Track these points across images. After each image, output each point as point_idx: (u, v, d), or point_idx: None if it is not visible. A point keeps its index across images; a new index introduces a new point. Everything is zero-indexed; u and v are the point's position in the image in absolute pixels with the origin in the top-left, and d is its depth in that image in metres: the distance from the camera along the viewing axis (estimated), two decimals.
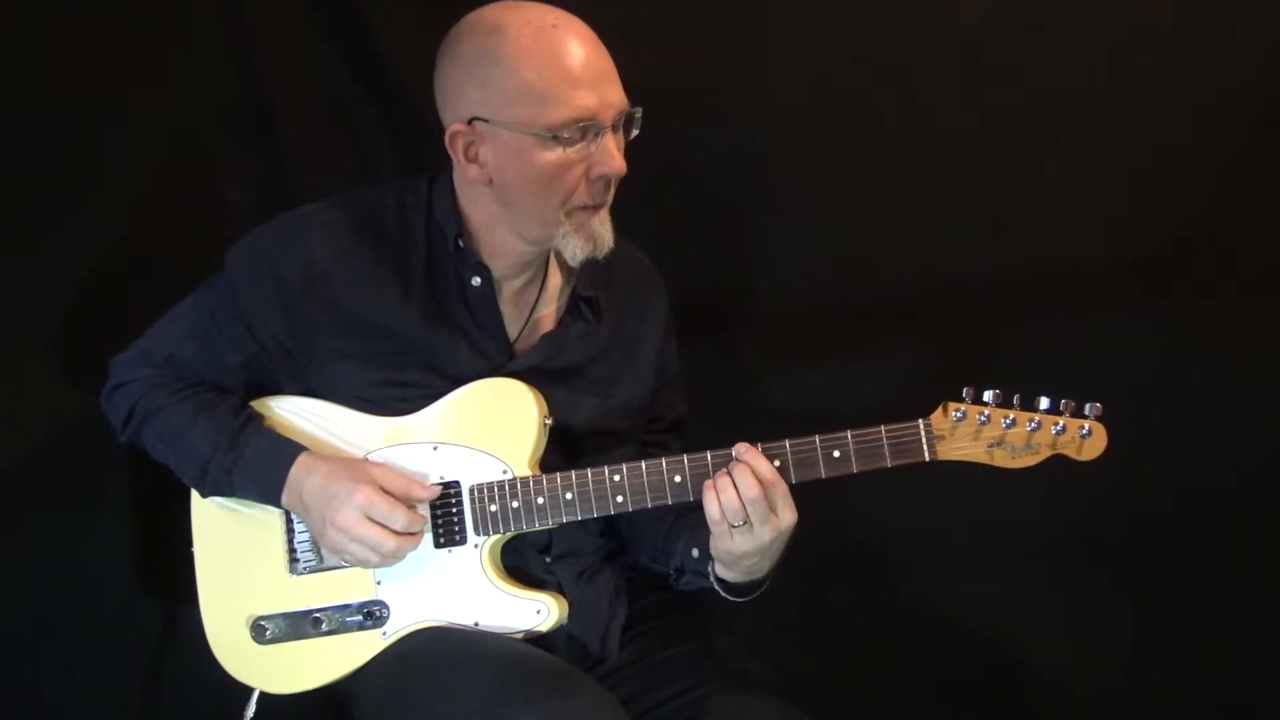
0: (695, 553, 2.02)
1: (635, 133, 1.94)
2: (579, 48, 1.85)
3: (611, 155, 1.88)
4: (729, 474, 1.85)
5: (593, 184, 1.91)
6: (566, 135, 1.85)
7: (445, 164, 2.00)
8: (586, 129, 1.86)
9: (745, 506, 1.84)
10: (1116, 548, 2.58)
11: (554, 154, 1.86)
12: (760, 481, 1.84)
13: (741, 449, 1.87)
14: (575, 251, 1.93)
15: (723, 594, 1.99)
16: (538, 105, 1.83)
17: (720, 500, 1.84)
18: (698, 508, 1.97)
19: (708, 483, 1.87)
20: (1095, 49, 2.47)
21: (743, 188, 2.56)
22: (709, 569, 1.99)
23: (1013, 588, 2.62)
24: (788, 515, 1.86)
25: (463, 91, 1.89)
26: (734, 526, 1.85)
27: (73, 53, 2.40)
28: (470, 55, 1.88)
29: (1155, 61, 2.47)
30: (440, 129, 2.47)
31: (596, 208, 1.93)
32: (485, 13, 1.91)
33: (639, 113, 1.92)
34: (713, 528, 1.88)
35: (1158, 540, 2.57)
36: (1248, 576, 2.58)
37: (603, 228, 1.95)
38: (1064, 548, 2.58)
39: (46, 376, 2.40)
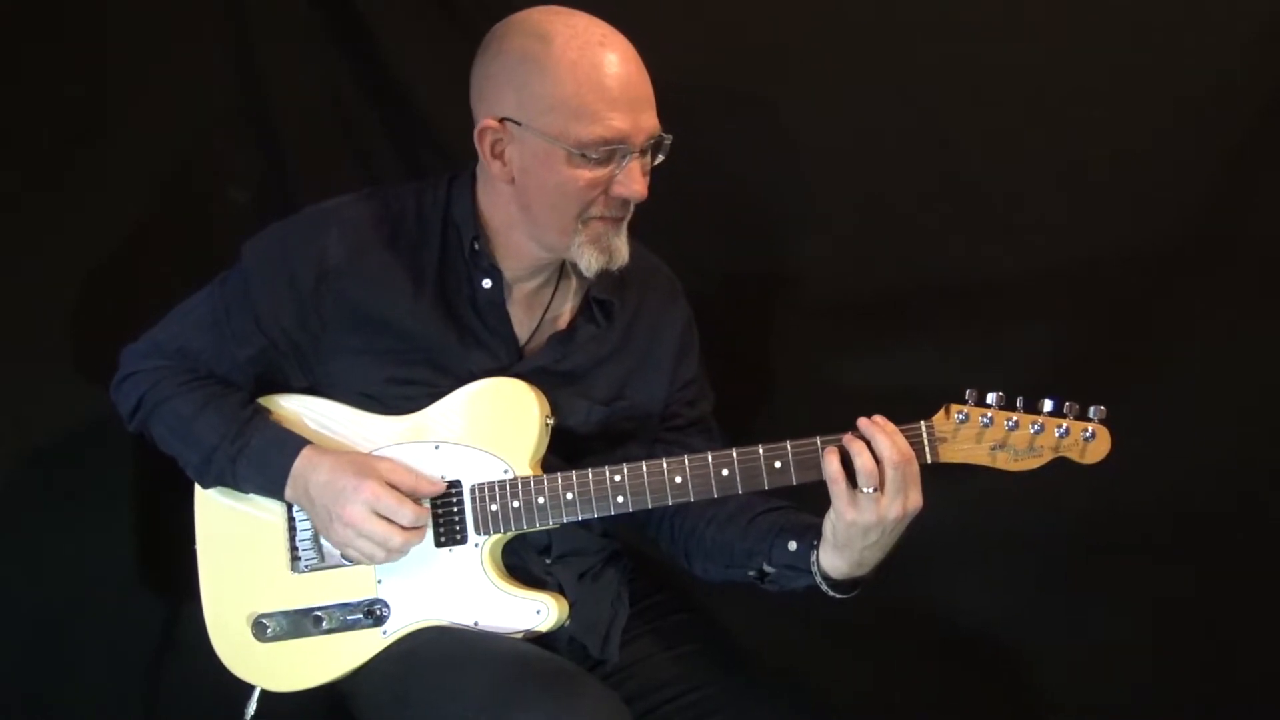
0: (793, 545, 1.96)
1: (661, 158, 1.95)
2: (621, 69, 1.86)
3: (635, 179, 1.89)
4: (864, 440, 1.82)
5: (611, 201, 1.92)
6: (594, 155, 1.86)
7: (446, 164, 2.00)
8: (614, 151, 1.87)
9: (886, 470, 1.80)
10: (1115, 549, 2.58)
11: (578, 169, 1.87)
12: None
13: (880, 420, 1.83)
14: (590, 262, 1.94)
15: (825, 589, 1.94)
16: (571, 120, 1.84)
17: (855, 463, 1.81)
18: (776, 508, 2.00)
19: (830, 448, 1.84)
20: (1096, 49, 2.46)
21: (767, 184, 2.56)
22: (811, 561, 1.93)
23: (1011, 590, 2.62)
24: (916, 497, 1.83)
25: (499, 90, 1.90)
26: (863, 492, 1.81)
27: (75, 53, 2.40)
28: (513, 56, 1.88)
29: (1155, 61, 2.46)
30: (442, 127, 2.51)
31: (614, 220, 1.94)
32: (534, 15, 1.91)
33: (668, 140, 1.93)
34: (832, 487, 1.83)
35: (1157, 541, 2.57)
36: (1249, 578, 2.57)
37: (619, 240, 1.96)
38: (1062, 549, 2.58)
39: (47, 376, 2.40)
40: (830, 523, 1.86)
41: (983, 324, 2.53)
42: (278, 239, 2.06)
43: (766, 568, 2.01)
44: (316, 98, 2.52)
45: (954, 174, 2.50)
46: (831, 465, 1.83)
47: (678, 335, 2.18)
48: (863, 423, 1.83)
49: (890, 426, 1.83)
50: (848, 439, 1.84)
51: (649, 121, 1.89)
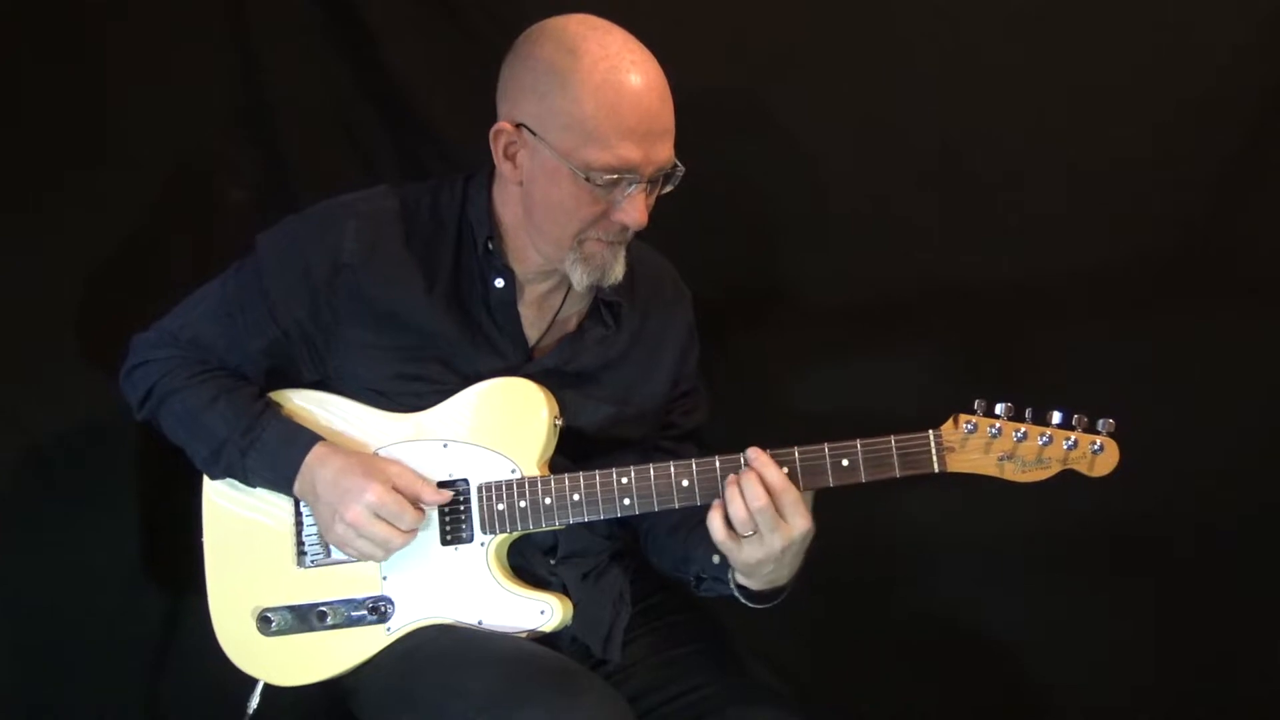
0: (716, 559, 1.98)
1: (670, 188, 1.94)
2: (644, 99, 1.83)
3: (636, 208, 1.89)
4: (737, 484, 1.84)
5: (610, 225, 1.91)
6: (600, 180, 1.85)
7: (446, 164, 2.00)
8: (621, 180, 1.86)
9: (753, 516, 1.82)
10: (1116, 551, 2.59)
11: (583, 190, 1.87)
12: (769, 489, 1.83)
13: (752, 454, 1.86)
14: (581, 278, 1.95)
15: (743, 601, 1.97)
16: (584, 141, 1.83)
17: (728, 511, 1.84)
18: None
19: (716, 502, 1.86)
20: (1096, 48, 2.46)
21: (769, 188, 2.56)
22: (729, 576, 1.96)
23: (1012, 590, 2.63)
24: (799, 523, 1.84)
25: (521, 96, 1.89)
26: (744, 537, 1.85)
27: (76, 53, 2.39)
28: (541, 65, 1.86)
29: (1155, 61, 2.46)
30: (442, 127, 2.51)
31: (610, 244, 1.94)
32: (570, 26, 1.88)
33: (680, 170, 1.92)
34: (718, 545, 1.87)
35: (1157, 542, 2.58)
36: (1249, 580, 2.59)
37: (614, 259, 1.96)
38: (1063, 550, 2.59)
39: (49, 374, 2.39)
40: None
41: (987, 327, 2.54)
42: (293, 231, 2.06)
43: (701, 574, 2.04)
44: (316, 98, 2.51)
45: (956, 177, 2.51)
46: (718, 528, 1.85)
47: (681, 339, 2.19)
48: (730, 479, 1.86)
49: (760, 461, 1.85)
50: (729, 483, 1.85)
51: (662, 154, 1.88)
